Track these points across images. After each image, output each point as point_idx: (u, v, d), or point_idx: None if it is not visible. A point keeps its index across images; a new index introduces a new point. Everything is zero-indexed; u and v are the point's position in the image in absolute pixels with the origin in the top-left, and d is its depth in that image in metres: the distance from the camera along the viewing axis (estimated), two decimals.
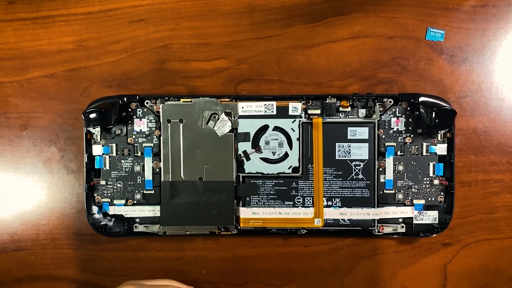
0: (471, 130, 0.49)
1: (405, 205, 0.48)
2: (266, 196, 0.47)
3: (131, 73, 0.50)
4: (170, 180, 0.47)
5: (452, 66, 0.49)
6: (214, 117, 0.47)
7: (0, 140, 0.50)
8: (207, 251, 0.50)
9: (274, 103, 0.47)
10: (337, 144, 0.47)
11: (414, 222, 0.48)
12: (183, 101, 0.47)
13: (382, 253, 0.50)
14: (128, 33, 0.50)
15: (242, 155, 0.47)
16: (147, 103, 0.47)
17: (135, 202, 0.48)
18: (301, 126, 0.47)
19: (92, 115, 0.45)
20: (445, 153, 0.47)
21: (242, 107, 0.47)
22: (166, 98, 0.47)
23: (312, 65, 0.49)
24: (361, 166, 0.47)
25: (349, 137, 0.47)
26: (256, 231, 0.48)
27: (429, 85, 0.49)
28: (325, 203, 0.47)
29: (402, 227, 0.48)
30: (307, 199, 0.47)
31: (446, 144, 0.47)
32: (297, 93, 0.49)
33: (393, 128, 0.48)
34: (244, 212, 0.47)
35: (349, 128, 0.47)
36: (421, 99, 0.46)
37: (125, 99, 0.47)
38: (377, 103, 0.47)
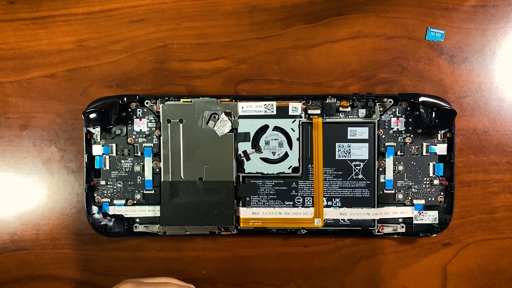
0: (471, 130, 0.49)
1: (405, 205, 0.48)
2: (266, 196, 0.47)
3: (131, 73, 0.50)
4: (170, 180, 0.47)
5: (452, 66, 0.49)
6: (214, 117, 0.47)
7: (0, 140, 0.50)
8: (207, 251, 0.50)
9: (274, 103, 0.47)
10: (337, 144, 0.47)
11: (414, 222, 0.48)
12: (183, 101, 0.47)
13: (382, 253, 0.50)
14: (128, 33, 0.50)
15: (242, 155, 0.47)
16: (147, 103, 0.47)
17: (135, 202, 0.48)
18: (301, 126, 0.47)
19: (92, 115, 0.45)
20: (445, 153, 0.47)
21: (242, 107, 0.47)
22: (166, 98, 0.47)
23: (312, 65, 0.49)
24: (361, 166, 0.47)
25: (349, 137, 0.47)
26: (256, 231, 0.48)
27: (429, 85, 0.49)
28: (325, 203, 0.47)
29: (402, 227, 0.48)
30: (307, 199, 0.47)
31: (446, 144, 0.47)
32: (297, 93, 0.49)
33: (393, 128, 0.48)
34: (244, 212, 0.47)
35: (349, 128, 0.47)
36: (421, 99, 0.46)
37: (125, 99, 0.47)
38: (377, 103, 0.47)
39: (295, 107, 0.47)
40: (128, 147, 0.48)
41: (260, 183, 0.47)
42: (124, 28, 0.50)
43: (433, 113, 0.45)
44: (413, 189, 0.48)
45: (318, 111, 0.47)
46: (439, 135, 0.47)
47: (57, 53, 0.50)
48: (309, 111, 0.47)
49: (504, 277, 0.50)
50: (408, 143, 0.47)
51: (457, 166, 0.48)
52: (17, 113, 0.50)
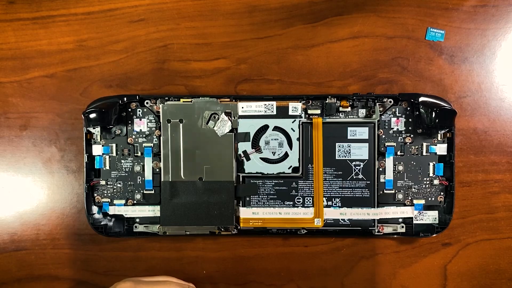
0: (471, 130, 0.49)
1: (405, 205, 0.48)
2: (266, 196, 0.47)
3: (131, 73, 0.50)
4: (170, 180, 0.47)
5: (452, 66, 0.49)
6: (214, 117, 0.47)
7: (0, 140, 0.50)
8: (207, 251, 0.50)
9: (274, 103, 0.47)
10: (337, 144, 0.47)
11: (414, 222, 0.48)
12: (183, 101, 0.47)
13: (382, 253, 0.50)
14: (128, 33, 0.50)
15: (242, 155, 0.47)
16: (147, 103, 0.47)
17: (135, 202, 0.48)
18: (301, 126, 0.47)
19: (92, 115, 0.45)
20: (445, 153, 0.47)
21: (242, 107, 0.47)
22: (166, 98, 0.47)
23: (312, 65, 0.49)
24: (361, 166, 0.47)
25: (349, 137, 0.47)
26: (256, 231, 0.48)
27: (429, 85, 0.49)
28: (325, 203, 0.47)
29: (402, 227, 0.48)
30: (307, 199, 0.47)
31: (446, 144, 0.47)
32: (297, 93, 0.49)
33: (393, 128, 0.48)
34: (244, 212, 0.47)
35: (349, 128, 0.47)
36: (421, 99, 0.46)
37: (125, 99, 0.47)
38: (377, 103, 0.47)
39: (295, 107, 0.47)
40: (128, 147, 0.48)
41: (260, 183, 0.47)
42: (124, 28, 0.50)
43: (433, 113, 0.45)
44: (413, 189, 0.48)
45: (318, 111, 0.47)
46: (439, 135, 0.47)
47: (57, 53, 0.50)
48: (309, 111, 0.47)
49: (504, 277, 0.50)
50: (408, 143, 0.47)
51: (457, 166, 0.48)
52: (17, 113, 0.50)
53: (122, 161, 0.48)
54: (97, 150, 0.48)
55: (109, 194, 0.48)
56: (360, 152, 0.47)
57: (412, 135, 0.47)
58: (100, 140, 0.48)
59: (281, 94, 0.49)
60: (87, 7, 0.50)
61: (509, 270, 0.50)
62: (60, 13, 0.50)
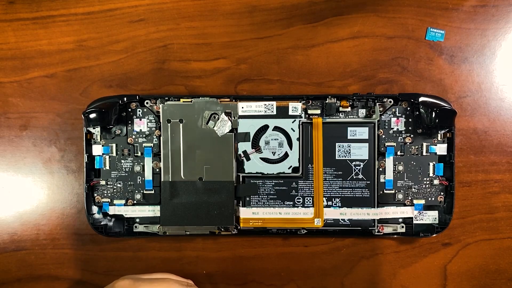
0: (471, 130, 0.49)
1: (405, 205, 0.48)
2: (266, 196, 0.47)
3: (131, 73, 0.50)
4: (170, 180, 0.47)
5: (452, 66, 0.49)
6: (214, 117, 0.47)
7: (0, 140, 0.50)
8: (207, 251, 0.50)
9: (274, 103, 0.47)
10: (337, 144, 0.47)
11: (414, 222, 0.48)
12: (183, 101, 0.47)
13: (382, 253, 0.50)
14: (128, 33, 0.50)
15: (242, 155, 0.47)
16: (147, 103, 0.47)
17: (135, 202, 0.48)
18: (301, 126, 0.47)
19: (92, 115, 0.45)
20: (445, 153, 0.47)
21: (242, 107, 0.47)
22: (166, 98, 0.47)
23: (312, 65, 0.49)
24: (361, 166, 0.47)
25: (349, 137, 0.47)
26: (256, 231, 0.48)
27: (429, 85, 0.49)
28: (325, 203, 0.47)
29: (402, 227, 0.48)
30: (307, 199, 0.47)
31: (446, 144, 0.47)
32: (297, 93, 0.49)
33: (393, 128, 0.48)
34: (244, 212, 0.47)
35: (349, 128, 0.47)
36: (421, 99, 0.46)
37: (125, 99, 0.47)
38: (377, 103, 0.47)
39: (295, 107, 0.47)
40: (128, 147, 0.48)
41: (260, 183, 0.47)
42: (124, 28, 0.50)
43: (433, 113, 0.45)
44: (413, 189, 0.48)
45: (318, 111, 0.47)
46: (439, 135, 0.47)
47: (57, 53, 0.50)
48: (309, 111, 0.47)
49: (504, 277, 0.50)
50: (408, 143, 0.47)
51: (457, 166, 0.48)
52: (17, 113, 0.50)
53: (122, 161, 0.48)
54: (97, 150, 0.48)
55: (109, 194, 0.48)
56: (360, 152, 0.47)
57: (412, 135, 0.47)
58: (100, 140, 0.48)
59: (281, 94, 0.49)
60: (87, 7, 0.50)
61: (509, 270, 0.50)
62: (60, 13, 0.50)
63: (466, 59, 0.49)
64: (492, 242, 0.50)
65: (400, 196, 0.48)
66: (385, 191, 0.48)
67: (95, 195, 0.48)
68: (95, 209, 0.48)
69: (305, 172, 0.47)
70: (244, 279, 0.50)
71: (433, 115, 0.45)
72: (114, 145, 0.48)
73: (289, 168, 0.47)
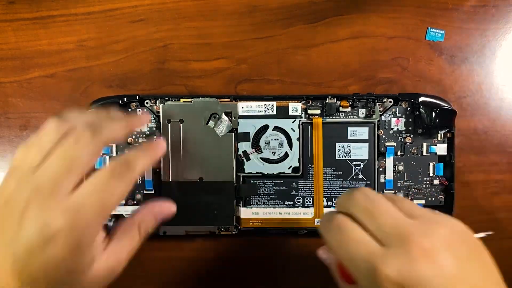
0: (471, 130, 0.49)
1: None
2: (266, 196, 0.47)
3: (131, 73, 0.50)
4: (170, 180, 0.47)
5: (452, 66, 0.49)
6: (214, 117, 0.47)
7: (0, 140, 0.50)
8: (207, 251, 0.50)
9: (274, 103, 0.47)
10: (337, 144, 0.47)
11: None
12: (183, 101, 0.47)
13: None
14: (128, 33, 0.50)
15: (242, 155, 0.47)
16: (147, 103, 0.47)
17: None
18: (301, 126, 0.47)
19: None
20: (445, 153, 0.47)
21: (242, 107, 0.47)
22: (166, 98, 0.47)
23: (312, 65, 0.49)
24: (361, 166, 0.47)
25: (349, 137, 0.47)
26: (256, 231, 0.48)
27: (429, 85, 0.49)
28: (325, 203, 0.47)
29: None
30: (307, 199, 0.47)
31: (446, 144, 0.47)
32: (297, 93, 0.49)
33: (393, 128, 0.48)
34: (244, 212, 0.47)
35: (349, 128, 0.47)
36: (421, 99, 0.46)
37: (125, 99, 0.47)
38: (377, 103, 0.47)
39: (295, 107, 0.47)
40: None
41: (260, 183, 0.47)
42: (124, 28, 0.50)
43: (433, 113, 0.45)
44: (413, 189, 0.48)
45: (318, 111, 0.47)
46: (439, 135, 0.47)
47: (57, 53, 0.50)
48: (309, 111, 0.47)
49: (504, 277, 0.50)
50: (408, 143, 0.47)
51: (457, 166, 0.48)
52: (17, 113, 0.50)
53: None
54: None
55: None
56: (360, 152, 0.47)
57: (412, 135, 0.47)
58: None
59: (281, 94, 0.49)
60: (87, 7, 0.50)
61: (510, 271, 0.50)
62: (60, 13, 0.50)
63: (466, 59, 0.49)
64: (492, 242, 0.49)
65: (400, 196, 0.48)
66: (385, 191, 0.48)
67: None
68: None
69: (305, 172, 0.47)
70: (244, 279, 0.50)
71: (433, 115, 0.45)
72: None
73: (289, 168, 0.47)
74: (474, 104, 0.49)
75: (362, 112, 0.47)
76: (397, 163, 0.48)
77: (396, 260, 0.28)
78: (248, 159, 0.47)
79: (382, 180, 0.48)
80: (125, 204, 0.48)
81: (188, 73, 0.50)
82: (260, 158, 0.47)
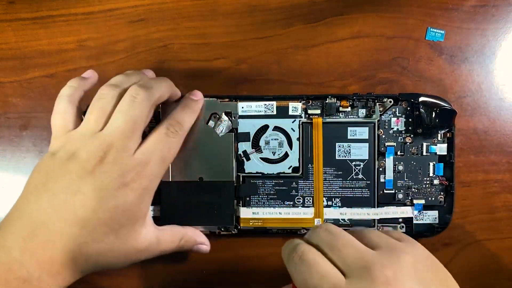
0: (471, 130, 0.49)
1: (405, 205, 0.48)
2: (266, 196, 0.47)
3: None
4: (170, 180, 0.47)
5: (452, 66, 0.49)
6: (214, 117, 0.47)
7: (0, 140, 0.50)
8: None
9: (274, 103, 0.47)
10: (337, 144, 0.47)
11: (414, 222, 0.48)
12: None
13: None
14: (128, 33, 0.50)
15: (242, 155, 0.47)
16: None
17: None
18: (301, 126, 0.47)
19: None
20: (445, 153, 0.47)
21: (242, 107, 0.47)
22: None
23: (312, 65, 0.49)
24: (361, 166, 0.47)
25: (349, 137, 0.47)
26: (256, 231, 0.48)
27: (429, 85, 0.49)
28: (325, 203, 0.47)
29: (402, 227, 0.48)
30: (307, 199, 0.47)
31: (446, 144, 0.47)
32: (297, 93, 0.49)
33: (393, 128, 0.48)
34: (244, 212, 0.47)
35: (349, 128, 0.47)
36: (421, 99, 0.46)
37: None
38: (377, 103, 0.47)
39: (295, 107, 0.47)
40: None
41: (260, 183, 0.47)
42: (124, 28, 0.50)
43: (433, 113, 0.45)
44: (413, 189, 0.48)
45: (318, 111, 0.47)
46: (439, 135, 0.47)
47: (57, 53, 0.50)
48: (309, 111, 0.47)
49: (504, 277, 0.50)
50: (408, 143, 0.47)
51: (457, 166, 0.48)
52: (17, 113, 0.50)
53: None
54: None
55: None
56: (360, 152, 0.47)
57: (412, 135, 0.47)
58: None
59: (281, 94, 0.49)
60: (87, 7, 0.50)
61: (509, 270, 0.50)
62: (60, 13, 0.50)
63: (466, 59, 0.49)
64: (492, 242, 0.50)
65: (400, 196, 0.48)
66: (385, 191, 0.48)
67: None
68: None
69: (305, 172, 0.47)
70: (244, 279, 0.50)
71: (433, 115, 0.45)
72: None
73: (289, 168, 0.47)
74: (474, 104, 0.49)
75: (362, 112, 0.47)
76: (397, 163, 0.48)
77: None
78: (248, 159, 0.47)
79: (382, 180, 0.48)
80: None
81: (188, 73, 0.50)
82: (260, 158, 0.47)
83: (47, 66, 0.50)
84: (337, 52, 0.49)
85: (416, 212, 0.48)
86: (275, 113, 0.47)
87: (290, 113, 0.47)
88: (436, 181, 0.48)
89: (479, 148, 0.49)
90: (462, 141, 0.49)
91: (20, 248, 0.34)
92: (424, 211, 0.48)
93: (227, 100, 0.47)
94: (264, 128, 0.47)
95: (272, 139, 0.47)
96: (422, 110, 0.46)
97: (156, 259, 0.50)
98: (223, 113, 0.46)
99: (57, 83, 0.50)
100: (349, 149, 0.47)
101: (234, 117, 0.47)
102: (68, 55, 0.50)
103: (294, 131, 0.47)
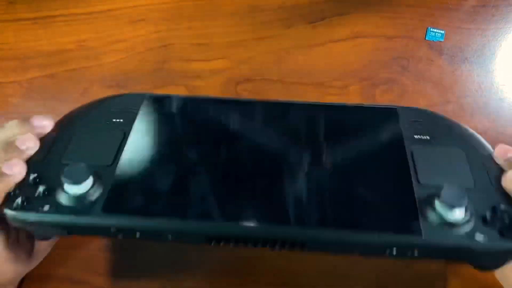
0: None
1: None
2: None
3: (131, 73, 0.50)
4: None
5: (452, 66, 0.49)
6: None
7: None
8: (208, 251, 0.50)
9: None
10: None
11: None
12: None
13: None
14: (128, 33, 0.50)
15: None
16: None
17: None
18: None
19: None
20: None
21: None
22: None
23: (312, 65, 0.49)
24: None
25: None
26: None
27: (429, 85, 0.49)
28: None
29: None
30: None
31: None
32: (297, 93, 0.49)
33: None
34: None
35: None
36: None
37: None
38: None
39: None
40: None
41: None
42: (124, 28, 0.50)
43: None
44: None
45: None
46: None
47: (57, 53, 0.50)
48: None
49: None
50: None
51: None
52: (17, 113, 0.50)
53: None
54: None
55: None
56: None
57: None
58: None
59: (281, 94, 0.49)
60: (87, 7, 0.50)
61: None
62: (60, 13, 0.50)
63: (466, 59, 0.49)
64: None
65: None
66: None
67: None
68: None
69: None
70: (244, 279, 0.50)
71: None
72: None
73: None
74: (474, 104, 0.49)
75: None
76: None
77: None
78: None
79: None
80: None
81: (188, 73, 0.50)
82: None
83: (47, 66, 0.50)
84: (337, 52, 0.49)
85: None
86: None
87: None
88: None
89: None
90: None
91: None
92: None
93: None
94: None
95: None
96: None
97: (156, 260, 0.50)
98: None
99: (57, 83, 0.50)
100: None
101: None
102: (68, 55, 0.50)
103: None
